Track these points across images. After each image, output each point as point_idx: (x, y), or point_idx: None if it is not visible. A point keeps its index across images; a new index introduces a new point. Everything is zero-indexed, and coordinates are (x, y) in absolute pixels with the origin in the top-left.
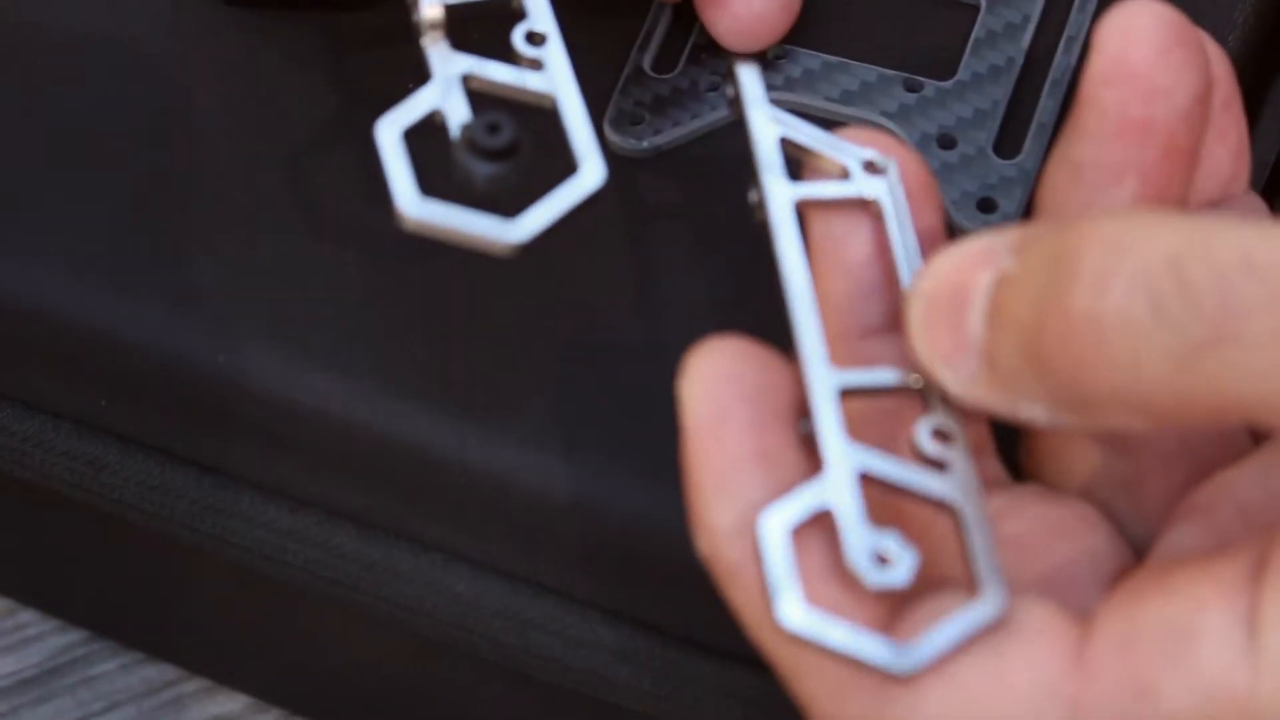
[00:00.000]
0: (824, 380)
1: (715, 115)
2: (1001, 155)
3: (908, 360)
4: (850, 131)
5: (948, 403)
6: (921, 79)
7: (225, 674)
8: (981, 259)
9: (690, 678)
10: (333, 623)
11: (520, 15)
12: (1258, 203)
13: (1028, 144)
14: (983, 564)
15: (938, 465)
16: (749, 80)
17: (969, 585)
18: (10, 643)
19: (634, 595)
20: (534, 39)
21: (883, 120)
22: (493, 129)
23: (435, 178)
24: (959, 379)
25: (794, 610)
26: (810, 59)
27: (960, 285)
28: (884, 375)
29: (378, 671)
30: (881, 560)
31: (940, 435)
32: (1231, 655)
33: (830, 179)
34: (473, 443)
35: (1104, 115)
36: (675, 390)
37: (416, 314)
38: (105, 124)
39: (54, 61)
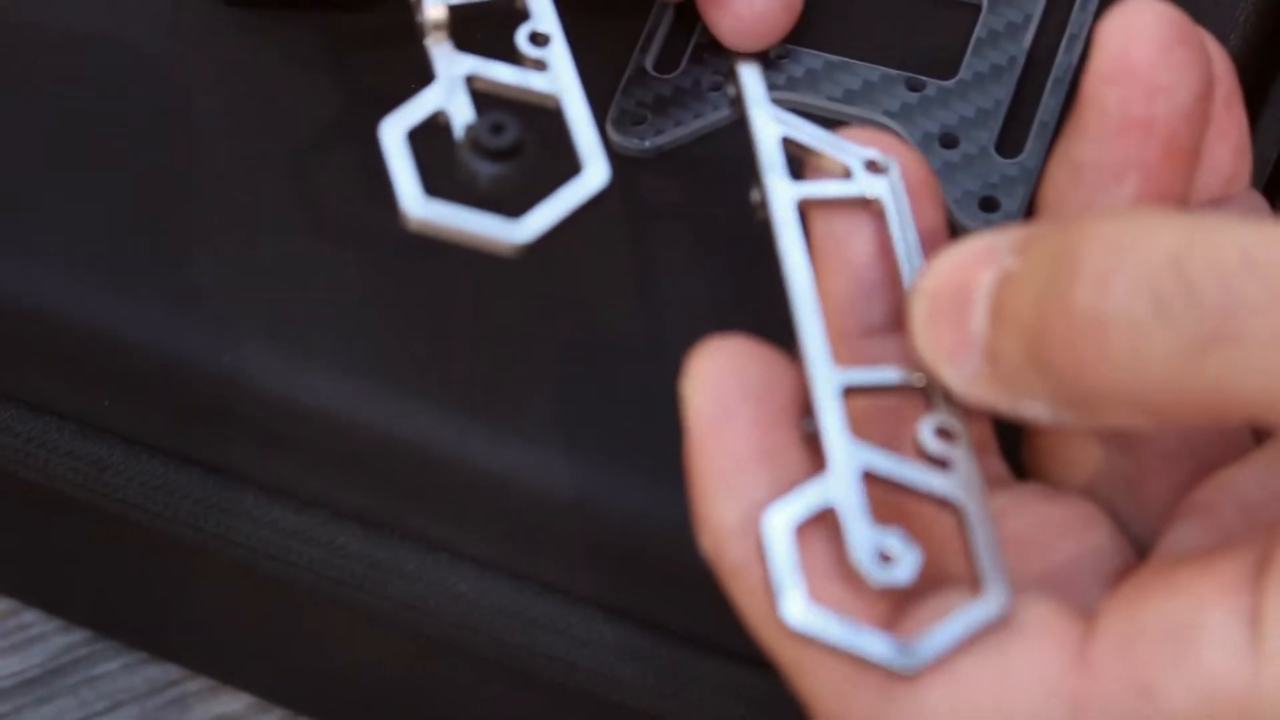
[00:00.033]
0: (827, 379)
1: (717, 115)
2: (1003, 154)
3: (910, 359)
4: (852, 131)
5: (950, 401)
6: (923, 78)
7: (228, 674)
8: (984, 258)
9: (693, 676)
10: (336, 622)
11: (523, 16)
12: (1259, 201)
13: (1030, 143)
14: (986, 562)
15: (941, 463)
16: (751, 80)
17: (972, 583)
18: (13, 642)
19: (637, 594)
20: (537, 39)
21: (885, 119)
22: (497, 129)
23: (439, 178)
24: (962, 377)
25: (797, 608)
26: (812, 58)
27: (962, 284)
28: (887, 374)
29: (381, 671)
30: (885, 558)
31: (943, 433)
32: (1233, 653)
33: (832, 178)
34: (475, 442)
35: (1106, 114)
36: (678, 389)
37: (419, 313)
38: (105, 124)
39: (54, 61)
